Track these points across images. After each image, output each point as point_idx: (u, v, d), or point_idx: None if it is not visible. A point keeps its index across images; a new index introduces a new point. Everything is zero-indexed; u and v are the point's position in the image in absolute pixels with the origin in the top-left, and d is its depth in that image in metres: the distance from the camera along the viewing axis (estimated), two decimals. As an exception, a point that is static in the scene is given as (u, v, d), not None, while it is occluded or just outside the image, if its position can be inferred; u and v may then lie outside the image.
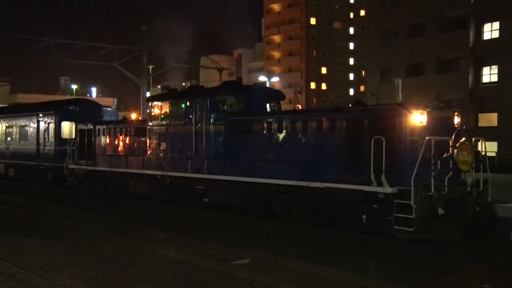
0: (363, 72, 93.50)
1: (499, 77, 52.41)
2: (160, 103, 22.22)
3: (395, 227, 13.25)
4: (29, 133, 33.73)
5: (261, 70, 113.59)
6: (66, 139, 29.22)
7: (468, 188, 14.27)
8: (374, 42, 64.45)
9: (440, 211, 13.13)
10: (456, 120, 15.11)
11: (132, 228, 16.18)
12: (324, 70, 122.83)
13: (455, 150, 13.71)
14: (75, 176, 27.60)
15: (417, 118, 13.70)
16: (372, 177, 13.68)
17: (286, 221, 16.67)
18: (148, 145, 22.40)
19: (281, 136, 17.41)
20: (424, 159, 13.29)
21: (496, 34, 52.88)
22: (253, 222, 17.43)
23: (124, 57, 53.93)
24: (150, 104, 22.88)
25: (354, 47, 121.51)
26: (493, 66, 53.38)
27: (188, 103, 20.56)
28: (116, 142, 25.19)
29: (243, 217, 18.23)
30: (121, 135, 25.07)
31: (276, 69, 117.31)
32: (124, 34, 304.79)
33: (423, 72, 57.32)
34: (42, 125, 32.08)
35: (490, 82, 53.10)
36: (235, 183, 18.23)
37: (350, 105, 16.81)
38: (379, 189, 13.61)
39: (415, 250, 13.05)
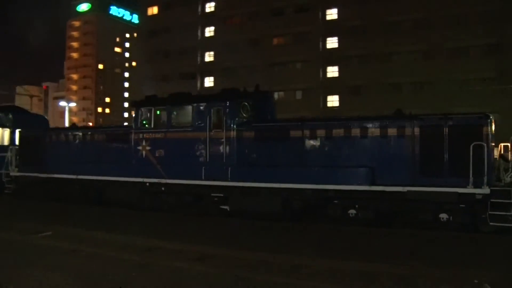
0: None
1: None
2: (153, 108, 14.39)
3: (490, 223, 9.95)
4: None
5: (63, 98, 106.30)
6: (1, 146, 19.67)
7: None
8: (140, 83, 63.28)
9: None
10: None
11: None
12: (108, 99, 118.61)
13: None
14: (19, 183, 17.95)
15: (493, 126, 10.59)
16: (471, 180, 10.00)
17: (340, 225, 11.42)
18: (134, 152, 14.56)
19: (333, 142, 11.89)
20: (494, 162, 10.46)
21: (212, 84, 55.92)
22: (62, 207, 15.23)
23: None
24: (138, 109, 14.74)
25: (128, 85, 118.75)
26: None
27: (199, 109, 13.43)
28: (84, 148, 16.34)
29: (57, 203, 15.77)
30: (90, 141, 16.36)
31: (74, 97, 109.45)
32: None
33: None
34: None
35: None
36: (272, 190, 12.18)
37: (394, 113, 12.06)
38: (478, 191, 10.01)
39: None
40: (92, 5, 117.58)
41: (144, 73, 62.77)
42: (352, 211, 11.64)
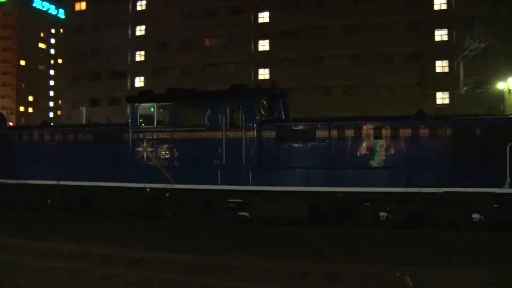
0: (60, 101, 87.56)
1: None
2: (155, 105, 12.81)
3: None
4: None
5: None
6: None
7: None
8: (68, 81, 60.90)
9: None
10: None
11: None
12: (31, 98, 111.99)
13: None
14: None
15: None
16: (508, 180, 9.93)
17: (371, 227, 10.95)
18: (131, 153, 12.85)
19: (363, 142, 11.25)
20: None
21: (142, 84, 54.35)
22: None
23: None
24: (136, 106, 12.95)
25: (53, 83, 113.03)
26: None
27: (213, 106, 12.08)
28: (66, 150, 14.19)
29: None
30: (73, 142, 14.17)
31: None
32: None
33: (100, 104, 56.09)
34: None
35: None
36: (298, 194, 11.34)
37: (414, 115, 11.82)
38: None
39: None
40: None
41: (71, 71, 60.22)
42: (383, 214, 11.16)
